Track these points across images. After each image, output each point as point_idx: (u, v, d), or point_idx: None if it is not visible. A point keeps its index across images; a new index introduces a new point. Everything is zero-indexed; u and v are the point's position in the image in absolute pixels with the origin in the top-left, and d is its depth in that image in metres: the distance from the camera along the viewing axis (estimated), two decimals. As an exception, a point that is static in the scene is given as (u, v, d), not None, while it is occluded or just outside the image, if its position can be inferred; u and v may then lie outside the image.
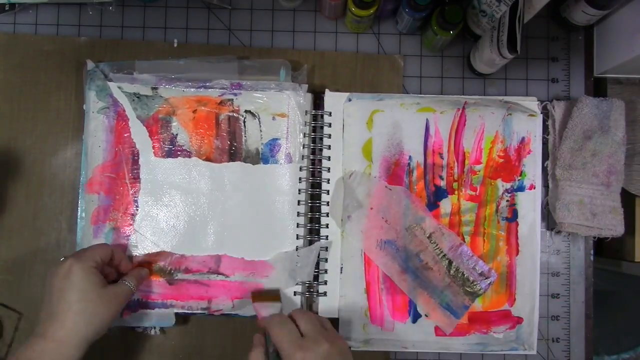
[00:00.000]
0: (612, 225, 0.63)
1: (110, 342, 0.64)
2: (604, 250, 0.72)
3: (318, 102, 0.66)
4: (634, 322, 0.98)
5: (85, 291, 0.52)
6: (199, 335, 0.65)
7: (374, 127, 0.65)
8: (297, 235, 0.63)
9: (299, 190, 0.64)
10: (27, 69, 0.66)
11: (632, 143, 0.66)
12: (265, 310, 0.59)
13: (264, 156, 0.64)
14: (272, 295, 0.63)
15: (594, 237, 0.66)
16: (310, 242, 0.64)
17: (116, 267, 0.59)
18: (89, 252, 0.55)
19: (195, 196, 0.64)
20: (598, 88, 0.69)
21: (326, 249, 0.64)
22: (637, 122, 0.67)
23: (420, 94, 0.68)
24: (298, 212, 0.64)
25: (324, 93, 0.65)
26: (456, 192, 0.65)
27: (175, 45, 0.67)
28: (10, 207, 0.65)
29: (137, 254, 0.63)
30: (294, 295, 0.63)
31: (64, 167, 0.66)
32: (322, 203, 0.64)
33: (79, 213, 0.64)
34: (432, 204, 0.65)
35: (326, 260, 0.64)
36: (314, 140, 0.65)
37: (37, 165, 0.66)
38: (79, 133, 0.66)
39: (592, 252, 0.67)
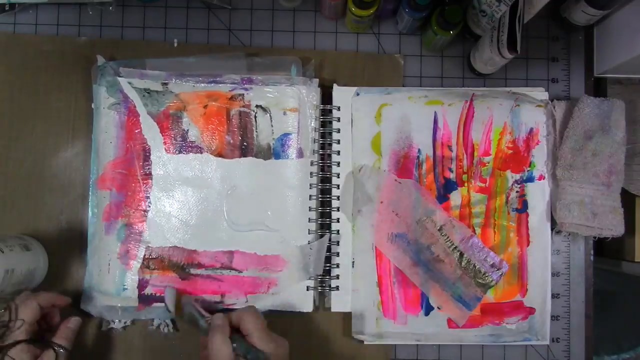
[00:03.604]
0: (613, 225, 0.63)
1: (111, 342, 0.64)
2: (604, 250, 0.72)
3: (324, 98, 0.66)
4: (634, 322, 0.98)
5: None
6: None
7: (382, 120, 0.65)
8: (308, 229, 0.64)
9: (310, 185, 0.64)
10: (27, 69, 0.66)
11: (632, 143, 0.66)
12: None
13: (276, 151, 0.64)
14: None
15: (594, 237, 0.66)
16: (322, 237, 0.64)
17: (49, 318, 0.57)
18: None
19: (206, 192, 0.64)
20: (598, 88, 0.69)
21: (337, 243, 0.64)
22: (637, 122, 0.67)
23: (424, 91, 0.68)
24: (309, 207, 0.64)
25: (330, 88, 0.65)
26: (466, 184, 0.65)
27: (175, 45, 0.67)
28: (10, 207, 0.65)
29: (150, 250, 0.63)
30: (307, 290, 0.63)
31: (64, 167, 0.66)
32: (333, 197, 0.65)
33: (89, 210, 0.64)
34: (442, 197, 0.65)
35: (338, 254, 0.64)
36: (323, 135, 0.66)
37: (37, 165, 0.65)
38: (79, 133, 0.66)
39: (592, 252, 0.67)
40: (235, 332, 0.54)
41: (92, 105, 0.65)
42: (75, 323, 0.57)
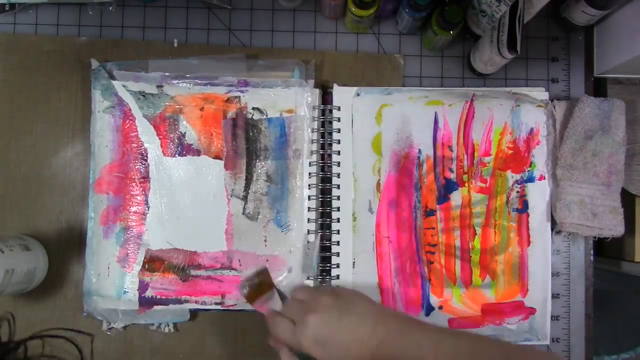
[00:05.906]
0: (613, 225, 0.63)
1: (111, 343, 0.64)
2: (604, 250, 0.72)
3: (325, 98, 0.66)
4: (634, 322, 0.98)
5: None
6: (200, 336, 0.65)
7: (383, 121, 0.65)
8: (307, 230, 0.64)
9: (309, 185, 0.64)
10: (27, 69, 0.66)
11: (632, 143, 0.66)
12: (265, 305, 0.56)
13: (273, 152, 0.64)
14: (263, 283, 0.58)
15: (594, 237, 0.66)
16: (322, 238, 0.64)
17: None
18: None
19: (205, 193, 0.64)
20: (598, 88, 0.69)
21: (337, 243, 0.64)
22: (637, 122, 0.67)
23: (424, 91, 0.68)
24: (309, 207, 0.64)
25: (330, 88, 0.65)
26: (466, 185, 0.65)
27: (175, 45, 0.67)
28: (10, 207, 0.65)
29: (149, 252, 0.63)
30: None
31: (64, 167, 0.66)
32: (333, 197, 0.65)
33: (88, 213, 0.64)
34: (443, 197, 0.65)
35: (338, 254, 0.64)
36: (323, 135, 0.66)
37: (37, 165, 0.65)
38: (79, 133, 0.66)
39: (592, 252, 0.67)
40: None
41: (92, 107, 0.65)
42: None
